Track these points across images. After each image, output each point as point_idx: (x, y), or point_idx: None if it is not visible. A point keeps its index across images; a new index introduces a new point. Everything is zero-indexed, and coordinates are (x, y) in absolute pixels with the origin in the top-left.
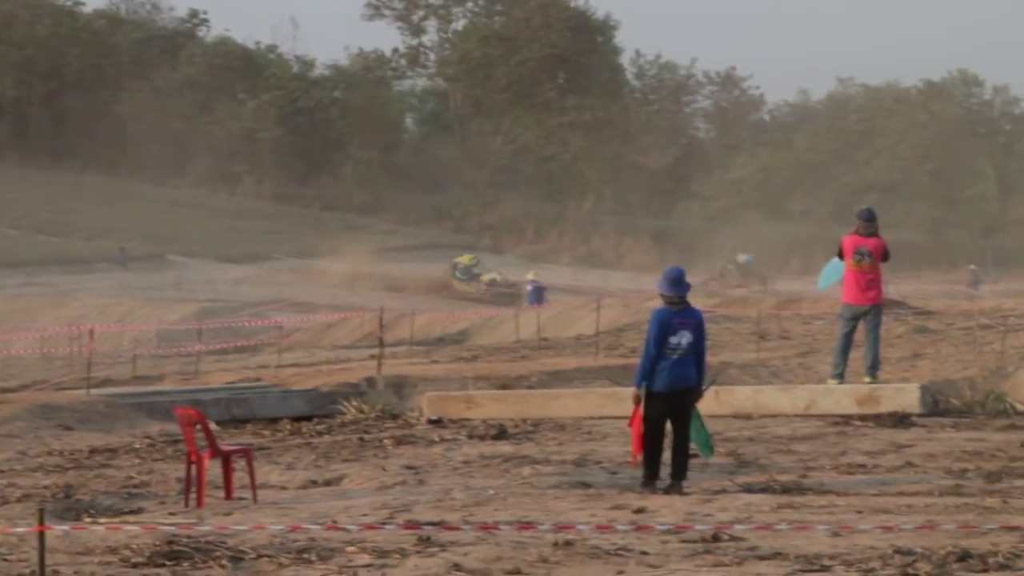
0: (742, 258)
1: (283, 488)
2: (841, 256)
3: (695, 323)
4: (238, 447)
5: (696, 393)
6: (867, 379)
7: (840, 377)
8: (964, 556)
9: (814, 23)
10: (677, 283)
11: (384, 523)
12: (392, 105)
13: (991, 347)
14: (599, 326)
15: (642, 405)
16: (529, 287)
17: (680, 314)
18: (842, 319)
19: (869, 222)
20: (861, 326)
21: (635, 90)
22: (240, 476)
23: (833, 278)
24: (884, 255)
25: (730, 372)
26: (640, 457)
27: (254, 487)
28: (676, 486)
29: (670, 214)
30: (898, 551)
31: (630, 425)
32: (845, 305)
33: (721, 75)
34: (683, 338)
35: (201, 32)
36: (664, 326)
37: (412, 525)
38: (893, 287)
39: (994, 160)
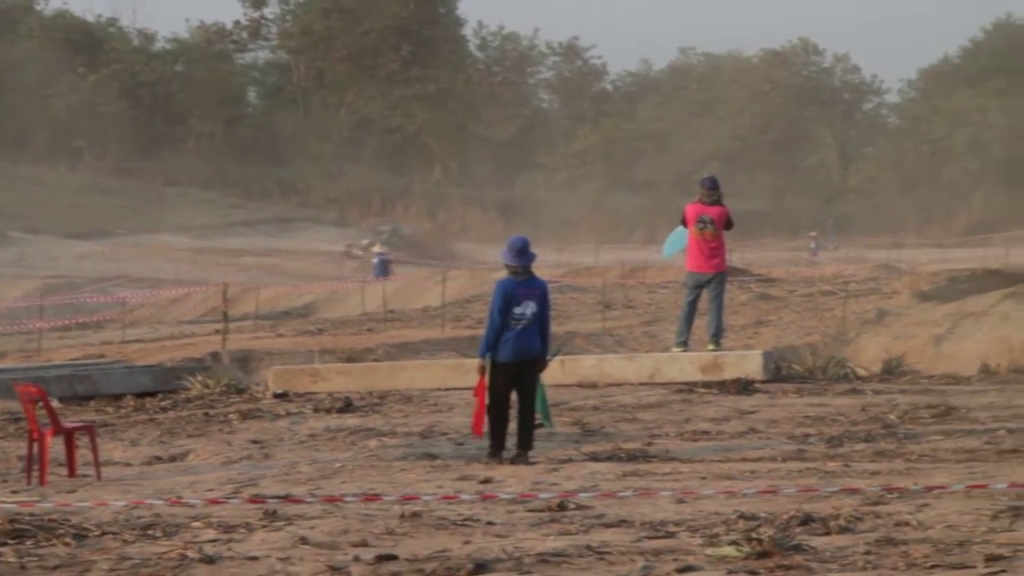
0: (406, 230)
1: (127, 465)
2: (685, 224)
3: (540, 293)
4: (81, 424)
5: (541, 363)
6: (711, 347)
7: (684, 345)
8: (806, 520)
9: None
10: (521, 253)
11: (230, 498)
12: (234, 78)
13: (832, 313)
14: (445, 298)
15: (487, 376)
16: (375, 260)
17: (525, 284)
18: (686, 287)
19: (712, 190)
20: (705, 294)
21: (478, 61)
22: (83, 453)
23: (677, 246)
24: (727, 223)
25: (575, 342)
26: (483, 431)
27: (97, 464)
28: (522, 456)
29: (514, 185)
30: (742, 516)
31: (476, 395)
32: (689, 273)
33: (564, 46)
34: (528, 308)
35: (39, 5)
36: (508, 296)
37: (258, 499)
38: (737, 255)
39: (834, 128)
